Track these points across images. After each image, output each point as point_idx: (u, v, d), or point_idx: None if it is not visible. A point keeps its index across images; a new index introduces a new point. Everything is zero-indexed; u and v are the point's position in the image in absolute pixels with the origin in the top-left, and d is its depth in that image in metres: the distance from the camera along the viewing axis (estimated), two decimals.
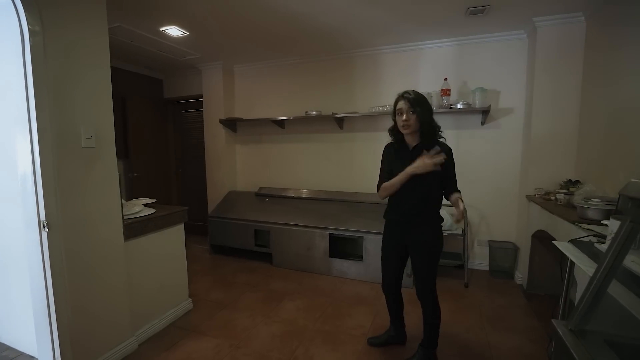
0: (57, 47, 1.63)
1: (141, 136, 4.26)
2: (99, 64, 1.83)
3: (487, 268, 3.34)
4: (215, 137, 4.27)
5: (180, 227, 2.49)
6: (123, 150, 4.10)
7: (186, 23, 2.86)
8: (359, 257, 3.19)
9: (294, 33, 3.10)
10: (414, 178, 1.69)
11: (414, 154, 1.72)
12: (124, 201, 2.23)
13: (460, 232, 3.15)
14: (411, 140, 1.79)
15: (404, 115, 1.70)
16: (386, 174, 1.83)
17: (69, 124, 1.69)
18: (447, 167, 1.69)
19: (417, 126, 1.72)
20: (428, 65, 3.39)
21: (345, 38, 3.25)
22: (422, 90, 3.34)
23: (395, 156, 1.83)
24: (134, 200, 2.47)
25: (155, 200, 2.57)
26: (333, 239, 3.27)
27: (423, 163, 1.62)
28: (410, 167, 1.67)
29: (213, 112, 4.24)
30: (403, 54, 3.47)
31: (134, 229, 2.08)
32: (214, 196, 4.32)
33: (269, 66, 4.08)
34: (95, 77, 1.81)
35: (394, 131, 1.82)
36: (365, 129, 3.71)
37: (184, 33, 3.05)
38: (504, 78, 3.14)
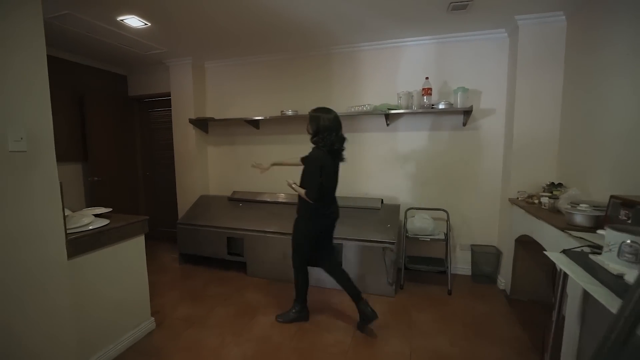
0: None
1: (103, 136, 3.91)
2: (31, 51, 1.56)
3: (469, 273, 3.26)
4: (185, 138, 3.99)
5: (140, 240, 2.23)
6: (82, 152, 3.76)
7: (147, 13, 2.60)
8: None
9: (267, 28, 2.90)
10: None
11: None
12: (70, 213, 1.96)
13: (442, 237, 3.05)
14: None
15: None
16: None
17: None
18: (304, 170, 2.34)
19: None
20: (409, 64, 3.27)
21: (322, 34, 3.08)
22: (402, 89, 3.26)
23: None
24: (85, 211, 2.19)
25: (110, 209, 2.30)
26: None
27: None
28: None
29: (182, 112, 3.96)
30: (383, 51, 3.33)
31: (81, 244, 1.81)
32: (185, 201, 4.04)
33: (243, 63, 3.85)
34: (25, 67, 1.54)
35: None
36: (344, 129, 3.54)
37: (145, 24, 2.78)
38: (486, 78, 3.06)
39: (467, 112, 3.01)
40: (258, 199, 3.71)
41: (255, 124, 3.81)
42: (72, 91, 3.61)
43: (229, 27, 2.89)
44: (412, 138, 3.32)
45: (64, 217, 1.73)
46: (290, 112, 3.52)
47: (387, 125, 3.35)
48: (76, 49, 3.42)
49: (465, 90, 2.96)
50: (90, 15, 2.60)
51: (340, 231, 3.00)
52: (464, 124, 3.13)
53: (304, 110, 3.55)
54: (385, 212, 3.18)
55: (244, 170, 4.00)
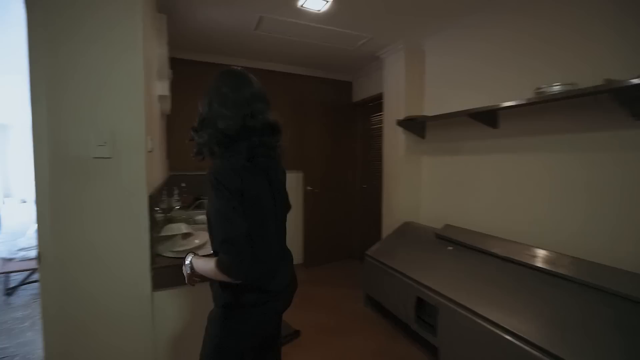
0: (63, 26, 1.23)
1: (317, 147, 3.84)
2: (124, 46, 1.32)
3: None
4: (393, 145, 3.15)
5: None
6: (300, 162, 3.86)
7: None
8: None
9: None
10: None
11: None
12: (184, 229, 1.69)
13: None
14: None
15: None
16: None
17: (73, 128, 1.26)
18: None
19: None
20: None
21: None
22: None
23: None
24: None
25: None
26: None
27: None
28: None
29: (393, 111, 3.14)
30: None
31: (168, 274, 1.45)
32: (388, 225, 3.20)
33: (472, 26, 2.48)
34: (119, 65, 1.32)
35: None
36: None
37: (326, 1, 2.22)
38: None
39: None
40: (480, 245, 2.21)
41: (490, 119, 2.33)
42: (298, 102, 3.77)
43: None
44: None
45: (151, 236, 1.42)
46: (557, 87, 1.80)
47: None
48: (298, 61, 3.50)
49: None
50: (276, 12, 2.38)
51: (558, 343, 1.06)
52: None
53: (586, 79, 1.72)
54: None
55: (467, 193, 2.59)
